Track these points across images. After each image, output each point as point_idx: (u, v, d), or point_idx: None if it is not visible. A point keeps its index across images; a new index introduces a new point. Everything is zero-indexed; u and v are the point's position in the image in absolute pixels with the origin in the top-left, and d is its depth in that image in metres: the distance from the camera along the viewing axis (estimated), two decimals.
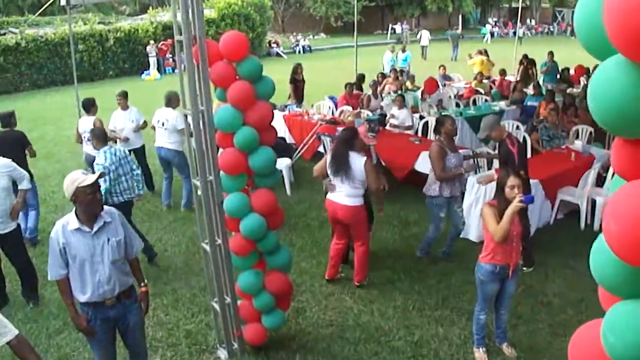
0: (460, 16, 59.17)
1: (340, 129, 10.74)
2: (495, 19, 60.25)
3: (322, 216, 9.34)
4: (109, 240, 4.53)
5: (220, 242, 5.40)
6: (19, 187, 7.00)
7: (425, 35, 36.84)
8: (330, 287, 7.31)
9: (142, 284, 5.00)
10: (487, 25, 53.38)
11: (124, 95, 10.76)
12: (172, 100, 9.86)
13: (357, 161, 6.71)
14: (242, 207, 5.17)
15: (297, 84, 15.54)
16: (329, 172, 6.89)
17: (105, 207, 4.65)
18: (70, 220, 4.49)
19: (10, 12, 47.70)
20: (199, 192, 5.36)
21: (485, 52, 21.40)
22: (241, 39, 4.97)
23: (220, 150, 5.18)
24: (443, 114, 11.85)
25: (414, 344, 6.10)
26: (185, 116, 5.28)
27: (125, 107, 10.67)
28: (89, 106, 10.10)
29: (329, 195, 7.02)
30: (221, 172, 5.14)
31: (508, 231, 5.17)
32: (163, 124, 9.84)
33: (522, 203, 5.13)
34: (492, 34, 50.90)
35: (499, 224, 5.19)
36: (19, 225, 7.00)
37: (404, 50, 24.60)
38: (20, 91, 28.36)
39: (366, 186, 6.85)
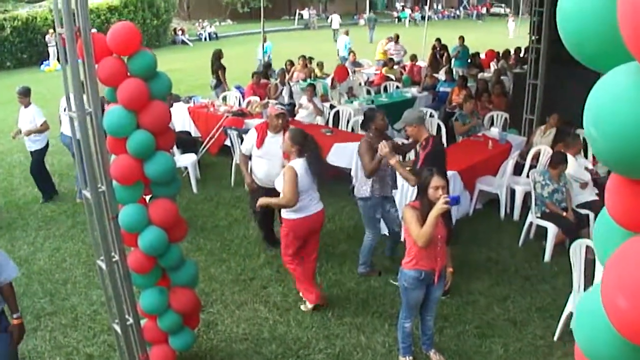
0: (367, 1, 59.42)
1: (249, 121, 10.27)
2: (402, 4, 60.87)
3: (231, 215, 8.89)
4: None
5: (118, 258, 4.81)
6: None
7: (336, 19, 38.76)
8: (242, 295, 6.83)
9: (15, 316, 4.52)
10: (406, 10, 54.12)
11: (23, 93, 9.89)
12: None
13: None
14: (139, 219, 4.62)
15: (223, 69, 15.25)
16: (307, 183, 6.09)
17: None
18: None
19: None
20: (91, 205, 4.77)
21: (397, 38, 21.30)
22: (132, 31, 4.41)
23: (112, 156, 4.61)
24: (369, 106, 11.44)
25: (336, 357, 5.71)
26: (71, 120, 4.66)
27: (27, 105, 9.87)
28: None
29: (310, 211, 6.18)
30: (114, 182, 4.56)
31: (432, 235, 4.81)
32: (65, 110, 9.13)
33: (447, 205, 4.77)
34: (399, 19, 51.67)
35: (422, 227, 4.82)
36: None
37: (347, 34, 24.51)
38: None
39: None
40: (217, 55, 15.40)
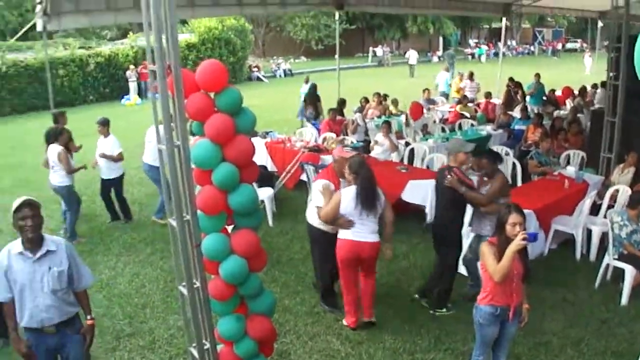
0: (440, 38, 59.53)
1: (325, 157, 10.45)
2: (475, 41, 60.75)
3: (306, 249, 9.00)
4: (50, 268, 4.61)
5: (199, 285, 5.01)
6: None
7: (413, 56, 39.67)
8: (315, 326, 6.95)
9: (89, 317, 4.98)
10: (482, 46, 54.05)
11: (102, 123, 10.56)
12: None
13: (381, 196, 6.51)
14: (221, 249, 4.81)
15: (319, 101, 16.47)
16: (352, 209, 6.38)
17: (53, 236, 4.82)
18: (15, 244, 4.62)
19: None
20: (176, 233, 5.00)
21: (471, 75, 21.32)
22: (219, 68, 4.65)
23: (198, 187, 4.83)
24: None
25: None
26: (160, 151, 4.91)
27: (106, 135, 10.49)
28: (57, 135, 9.81)
29: (350, 236, 6.45)
30: (199, 212, 4.78)
31: (508, 270, 4.86)
32: (150, 141, 10.19)
33: (525, 241, 4.82)
34: (472, 56, 51.58)
35: (499, 263, 4.87)
36: None
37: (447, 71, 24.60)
38: (1, 116, 27.97)
39: None
40: (313, 89, 16.77)
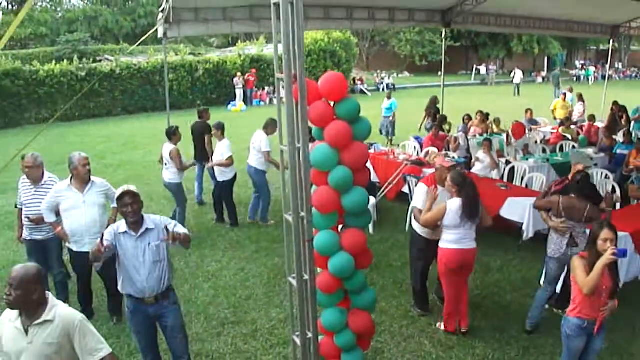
0: (545, 58, 58.53)
1: (427, 170, 10.74)
2: (582, 62, 59.38)
3: (404, 257, 9.29)
4: (149, 244, 5.33)
5: (308, 277, 5.43)
6: (112, 205, 7.30)
7: (518, 74, 39.88)
8: (410, 329, 7.27)
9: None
10: (591, 68, 52.82)
11: (218, 127, 11.28)
12: (268, 126, 10.93)
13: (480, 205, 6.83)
14: (332, 245, 5.22)
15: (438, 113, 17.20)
16: (458, 220, 6.69)
17: (152, 216, 5.54)
18: (121, 224, 5.38)
19: (106, 40, 49.89)
20: (291, 227, 5.44)
21: (580, 97, 21.10)
22: (340, 80, 5.06)
23: (314, 187, 5.26)
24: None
25: None
26: (282, 152, 5.38)
27: (220, 139, 11.15)
28: (171, 134, 10.52)
29: (455, 245, 6.76)
30: (313, 209, 5.20)
31: (597, 284, 5.06)
32: (253, 144, 10.95)
33: (615, 256, 5.02)
34: (578, 78, 50.45)
35: (589, 276, 5.09)
36: None
37: (571, 91, 24.22)
38: (112, 115, 29.48)
39: None
40: (434, 101, 17.55)
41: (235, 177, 11.25)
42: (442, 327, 7.20)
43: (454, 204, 6.69)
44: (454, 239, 6.74)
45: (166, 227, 5.41)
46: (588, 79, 50.28)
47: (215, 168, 11.16)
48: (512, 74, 42.23)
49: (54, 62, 30.07)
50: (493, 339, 7.03)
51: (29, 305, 3.89)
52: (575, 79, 51.53)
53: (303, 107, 4.96)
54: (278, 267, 9.18)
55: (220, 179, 11.21)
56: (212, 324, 7.49)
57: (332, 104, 5.11)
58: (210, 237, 10.59)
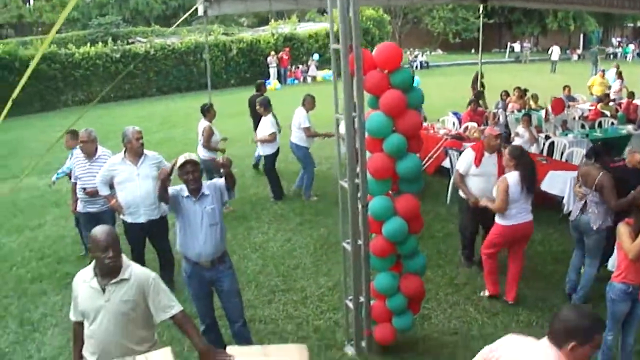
0: (581, 35, 57.75)
1: (466, 144, 10.86)
2: (619, 39, 58.47)
3: (446, 228, 9.52)
4: (205, 207, 5.56)
5: (362, 242, 5.65)
6: None
7: (556, 51, 39.39)
8: (455, 296, 7.44)
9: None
10: (630, 45, 52.02)
11: (262, 103, 11.51)
12: (305, 102, 11.24)
13: None
14: (386, 210, 5.42)
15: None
16: (519, 193, 6.81)
17: (209, 181, 5.88)
18: (184, 188, 5.60)
19: (137, 22, 50.31)
20: (347, 194, 5.65)
21: (620, 74, 20.97)
22: (395, 50, 5.25)
23: (369, 154, 5.45)
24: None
25: None
26: (337, 120, 5.59)
27: (265, 115, 11.39)
28: (205, 111, 10.83)
29: (515, 220, 6.90)
30: (368, 176, 5.40)
31: None
32: (293, 122, 11.30)
33: None
34: (615, 55, 49.64)
35: (634, 242, 5.23)
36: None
37: (618, 68, 23.59)
38: (147, 96, 29.89)
39: None
40: (477, 77, 18.05)
41: (277, 151, 11.48)
42: (486, 294, 7.38)
43: (513, 178, 6.81)
44: (511, 214, 6.86)
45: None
46: (626, 56, 49.51)
47: (259, 142, 11.46)
48: (549, 51, 41.79)
49: (88, 44, 30.57)
50: (536, 307, 7.17)
51: (119, 264, 4.15)
52: (611, 56, 50.77)
53: (359, 77, 5.16)
54: (324, 237, 9.40)
55: (263, 152, 11.52)
56: (263, 291, 7.73)
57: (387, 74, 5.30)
58: (255, 211, 10.84)
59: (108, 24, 44.23)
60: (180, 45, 31.64)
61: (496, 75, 24.94)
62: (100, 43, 31.00)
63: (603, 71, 22.45)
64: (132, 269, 4.23)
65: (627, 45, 52.50)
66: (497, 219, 7.01)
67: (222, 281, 5.82)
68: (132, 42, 35.71)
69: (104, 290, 4.12)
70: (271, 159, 11.46)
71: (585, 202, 7.00)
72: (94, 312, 4.14)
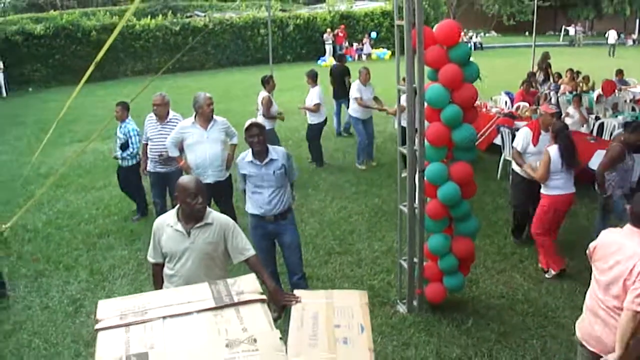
0: (638, 20, 56.60)
1: (518, 123, 11.18)
2: None
3: (496, 202, 9.90)
4: (273, 172, 6.04)
5: (418, 206, 6.10)
6: (230, 142, 8.10)
7: (612, 35, 39.34)
8: (502, 264, 7.85)
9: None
10: None
11: (310, 75, 12.23)
12: (360, 75, 11.99)
13: None
14: (442, 175, 5.86)
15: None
16: (559, 165, 7.22)
17: (277, 147, 6.32)
18: (247, 154, 6.12)
19: None
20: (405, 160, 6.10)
21: None
22: (455, 28, 5.65)
23: (427, 123, 5.88)
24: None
25: None
26: (399, 92, 6.04)
27: (313, 86, 12.08)
28: (264, 82, 11.44)
29: (561, 191, 7.32)
30: (426, 143, 5.84)
31: None
32: (351, 94, 12.08)
33: None
34: None
35: None
36: (230, 175, 8.05)
37: None
38: (205, 69, 30.50)
39: None
40: (546, 57, 18.27)
41: (325, 121, 12.22)
42: (554, 273, 7.53)
43: (553, 150, 7.23)
44: (559, 184, 7.28)
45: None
46: None
47: (307, 112, 12.08)
48: (605, 35, 41.42)
49: (149, 17, 31.28)
50: (581, 277, 7.46)
51: (205, 210, 4.69)
52: None
53: (420, 52, 5.59)
54: (378, 206, 9.89)
55: (312, 121, 12.13)
56: (320, 253, 8.24)
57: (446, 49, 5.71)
58: (312, 180, 11.36)
59: None
60: (238, 20, 32.17)
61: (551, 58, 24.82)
62: (160, 16, 31.66)
63: None
64: (214, 215, 4.74)
65: None
66: (542, 190, 7.44)
67: (283, 234, 6.34)
68: (191, 16, 36.39)
69: (189, 233, 4.62)
70: (316, 128, 12.15)
71: None
72: (179, 253, 4.65)
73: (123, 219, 9.73)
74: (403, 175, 6.43)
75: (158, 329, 3.06)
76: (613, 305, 4.13)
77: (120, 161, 9.47)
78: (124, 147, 9.25)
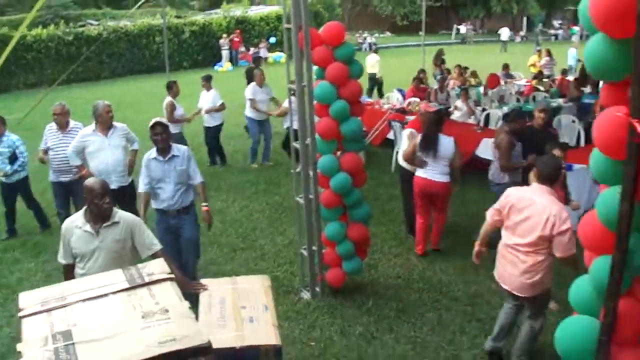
0: (525, 18, 59.17)
1: (409, 117, 11.75)
2: (560, 22, 60.04)
3: (390, 193, 10.39)
4: (175, 168, 6.37)
5: (313, 196, 6.49)
6: (131, 148, 8.27)
7: (505, 32, 42.46)
8: (398, 248, 8.38)
9: (204, 204, 6.66)
10: (576, 27, 53.39)
11: (206, 79, 12.54)
12: (255, 76, 12.51)
13: (445, 141, 7.71)
14: (333, 166, 6.29)
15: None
16: (419, 152, 7.75)
17: (179, 145, 6.62)
18: (152, 152, 6.42)
19: (87, 5, 49.74)
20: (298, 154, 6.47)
21: (548, 53, 22.21)
22: (339, 28, 6.11)
23: (317, 118, 6.29)
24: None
25: (470, 295, 7.07)
26: (289, 90, 6.42)
27: (208, 89, 12.43)
28: (168, 88, 11.71)
29: (420, 173, 7.85)
30: (317, 137, 6.24)
31: None
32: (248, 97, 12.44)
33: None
34: (556, 37, 51.28)
35: None
36: (133, 180, 8.18)
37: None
38: (101, 79, 30.04)
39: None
40: (440, 53, 19.64)
41: (222, 123, 12.68)
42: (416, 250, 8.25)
43: (419, 138, 7.82)
44: (423, 170, 7.83)
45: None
46: (571, 37, 50.88)
47: (206, 115, 12.40)
48: (497, 32, 43.88)
49: (40, 27, 30.50)
50: (470, 255, 7.87)
51: (112, 210, 4.92)
52: (554, 38, 52.30)
53: (308, 52, 5.98)
54: (278, 203, 10.29)
55: (211, 124, 12.49)
56: (224, 250, 8.52)
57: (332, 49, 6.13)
58: (213, 181, 11.56)
59: (58, 6, 43.88)
60: (133, 28, 31.87)
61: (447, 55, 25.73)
62: (52, 26, 30.93)
63: (539, 51, 23.72)
64: (120, 213, 4.98)
65: (572, 27, 53.94)
66: (416, 172, 7.99)
67: (184, 229, 6.65)
68: (84, 25, 35.72)
69: (97, 233, 4.84)
70: (214, 130, 12.64)
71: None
72: (89, 253, 4.86)
73: (27, 233, 9.65)
74: (298, 169, 6.80)
75: (78, 310, 3.30)
76: (525, 250, 5.11)
77: (6, 178, 9.15)
78: (12, 159, 9.08)
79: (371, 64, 20.45)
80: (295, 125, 6.59)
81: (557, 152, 6.41)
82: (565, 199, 6.59)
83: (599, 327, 3.51)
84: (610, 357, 3.48)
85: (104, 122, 7.85)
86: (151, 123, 6.31)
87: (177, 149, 6.47)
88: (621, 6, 2.96)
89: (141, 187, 6.52)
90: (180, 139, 11.18)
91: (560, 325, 3.92)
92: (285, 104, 11.22)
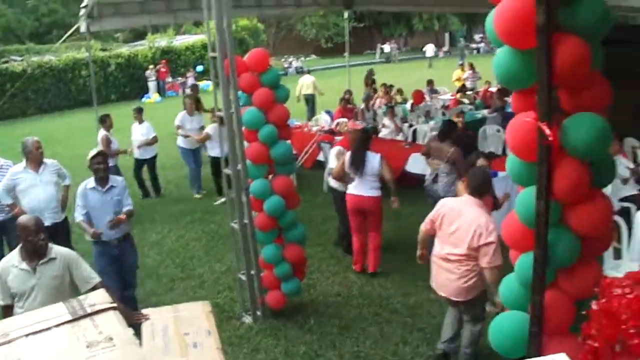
0: (447, 34, 60.61)
1: (338, 138, 11.96)
2: (481, 36, 61.65)
3: (324, 214, 10.53)
4: (112, 198, 6.54)
5: (247, 221, 6.58)
6: (63, 184, 8.17)
7: (430, 48, 44.04)
8: (336, 267, 8.52)
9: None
10: None
11: (138, 111, 12.62)
12: (186, 105, 12.54)
13: (372, 158, 7.87)
14: (265, 190, 6.41)
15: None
16: (348, 169, 7.91)
17: (115, 176, 6.88)
18: (90, 181, 6.55)
19: (9, 40, 48.77)
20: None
21: (471, 66, 22.88)
22: (264, 54, 6.27)
23: (246, 144, 6.40)
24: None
25: (409, 307, 7.25)
26: (219, 117, 6.52)
27: (140, 121, 12.42)
28: (101, 122, 11.63)
29: (351, 190, 8.00)
30: (248, 162, 6.35)
31: None
32: (179, 127, 12.41)
33: None
34: (478, 50, 52.85)
35: None
36: (66, 217, 8.12)
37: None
38: (27, 116, 29.43)
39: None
40: (370, 73, 20.00)
41: (156, 155, 12.67)
42: (354, 268, 8.40)
43: (347, 156, 8.00)
44: (352, 186, 8.00)
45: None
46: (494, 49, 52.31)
47: (140, 148, 12.32)
48: (422, 49, 45.37)
49: None
50: (406, 269, 8.12)
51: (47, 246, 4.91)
52: (475, 51, 53.74)
53: (234, 79, 6.10)
54: (214, 230, 10.33)
55: (142, 156, 12.42)
56: (163, 281, 8.49)
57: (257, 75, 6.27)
58: (148, 214, 11.51)
59: None
60: (57, 62, 31.34)
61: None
62: None
63: (462, 64, 24.40)
64: (56, 249, 4.98)
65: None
66: (347, 190, 8.14)
67: (127, 256, 6.80)
68: (7, 61, 34.97)
69: (34, 270, 4.83)
70: (153, 162, 12.70)
71: (437, 174, 8.22)
72: (28, 291, 4.83)
73: None
74: (231, 196, 6.86)
75: (22, 345, 3.32)
76: (458, 259, 5.34)
77: None
78: None
79: (306, 84, 20.70)
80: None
81: (481, 161, 6.68)
82: (494, 205, 6.83)
83: (529, 320, 3.70)
84: (542, 347, 3.66)
85: (34, 158, 7.77)
86: (93, 153, 6.47)
87: (114, 179, 6.65)
88: (521, 21, 3.19)
89: (78, 217, 6.56)
90: (117, 172, 11.11)
91: (492, 322, 4.10)
92: (208, 130, 11.37)
